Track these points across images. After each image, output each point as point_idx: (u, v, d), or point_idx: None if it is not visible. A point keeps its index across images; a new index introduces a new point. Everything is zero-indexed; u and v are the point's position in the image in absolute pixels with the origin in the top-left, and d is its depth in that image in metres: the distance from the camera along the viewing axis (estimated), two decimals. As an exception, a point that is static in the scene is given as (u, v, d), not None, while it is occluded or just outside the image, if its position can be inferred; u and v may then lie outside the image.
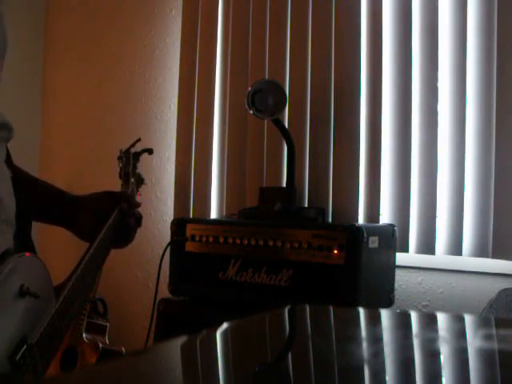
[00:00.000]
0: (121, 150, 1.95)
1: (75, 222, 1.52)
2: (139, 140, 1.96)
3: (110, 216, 1.50)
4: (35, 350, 1.19)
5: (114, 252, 3.06)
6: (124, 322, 3.11)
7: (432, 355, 0.86)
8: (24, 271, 1.20)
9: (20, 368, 1.14)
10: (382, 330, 1.06)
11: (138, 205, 1.64)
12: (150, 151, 2.06)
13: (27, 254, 1.22)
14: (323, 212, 2.51)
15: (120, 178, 1.91)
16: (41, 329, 1.22)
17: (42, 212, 1.50)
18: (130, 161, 1.93)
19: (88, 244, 1.47)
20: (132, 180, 1.89)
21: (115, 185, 2.88)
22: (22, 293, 1.17)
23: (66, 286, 1.31)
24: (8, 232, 1.23)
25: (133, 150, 1.95)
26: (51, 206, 1.52)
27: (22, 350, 1.15)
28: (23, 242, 1.28)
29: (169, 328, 2.38)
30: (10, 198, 1.26)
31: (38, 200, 1.48)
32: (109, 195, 1.58)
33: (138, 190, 2.74)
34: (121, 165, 1.94)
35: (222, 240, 2.35)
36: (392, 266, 2.36)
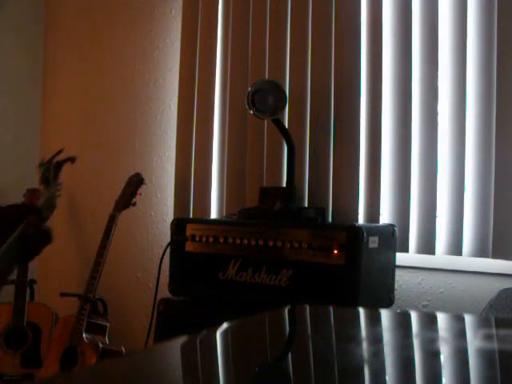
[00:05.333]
0: (42, 159, 2.01)
1: None
2: (61, 151, 2.06)
3: (12, 230, 1.40)
4: None
5: (113, 252, 3.07)
6: (124, 322, 3.11)
7: (432, 355, 0.86)
8: None
9: None
10: (382, 330, 1.06)
11: (46, 217, 1.54)
12: (72, 160, 2.13)
13: None
14: (323, 212, 2.51)
15: (40, 183, 1.95)
16: None
17: None
18: (51, 169, 1.96)
19: None
20: (50, 187, 1.92)
21: (116, 185, 2.89)
22: None
23: None
24: None
25: (55, 160, 2.04)
26: None
27: None
28: None
29: (169, 328, 2.38)
30: None
31: None
32: (13, 209, 1.49)
33: (137, 190, 2.76)
34: (41, 171, 1.98)
35: (222, 240, 2.35)
36: (392, 266, 2.36)
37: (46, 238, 1.47)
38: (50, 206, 1.77)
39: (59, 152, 1.97)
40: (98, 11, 3.34)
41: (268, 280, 2.26)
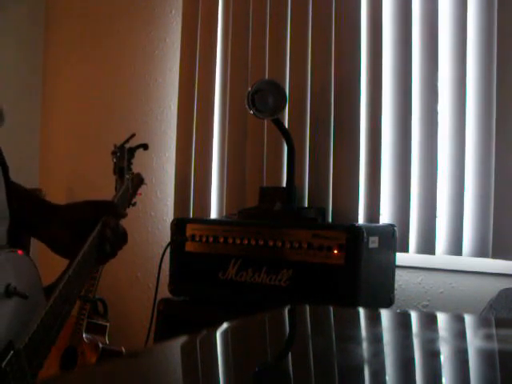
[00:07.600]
0: (115, 145, 1.87)
1: (48, 234, 1.34)
2: (134, 135, 1.91)
3: (91, 229, 1.32)
4: (23, 355, 1.10)
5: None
6: (124, 322, 3.11)
7: (432, 355, 0.86)
8: (12, 269, 1.11)
9: (7, 376, 1.06)
10: (382, 330, 1.06)
11: (125, 215, 1.46)
12: (145, 146, 1.99)
13: (18, 251, 1.14)
14: (323, 212, 2.51)
15: (114, 173, 1.83)
16: (29, 332, 1.12)
17: (18, 218, 1.30)
18: (125, 156, 1.85)
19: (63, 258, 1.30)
20: (127, 176, 1.81)
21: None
22: (9, 293, 1.08)
23: (56, 287, 1.21)
24: (2, 225, 1.16)
25: (128, 146, 1.90)
26: (26, 213, 1.33)
27: (8, 356, 1.06)
28: (16, 238, 1.20)
29: (169, 328, 2.38)
30: (2, 190, 1.18)
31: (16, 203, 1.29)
32: (91, 206, 1.38)
33: (138, 190, 2.73)
34: (115, 160, 1.86)
35: (222, 240, 2.35)
36: (392, 266, 2.36)
37: (123, 239, 1.38)
38: (125, 201, 1.69)
39: (131, 137, 1.85)
40: (98, 11, 3.34)
41: (268, 280, 2.26)
